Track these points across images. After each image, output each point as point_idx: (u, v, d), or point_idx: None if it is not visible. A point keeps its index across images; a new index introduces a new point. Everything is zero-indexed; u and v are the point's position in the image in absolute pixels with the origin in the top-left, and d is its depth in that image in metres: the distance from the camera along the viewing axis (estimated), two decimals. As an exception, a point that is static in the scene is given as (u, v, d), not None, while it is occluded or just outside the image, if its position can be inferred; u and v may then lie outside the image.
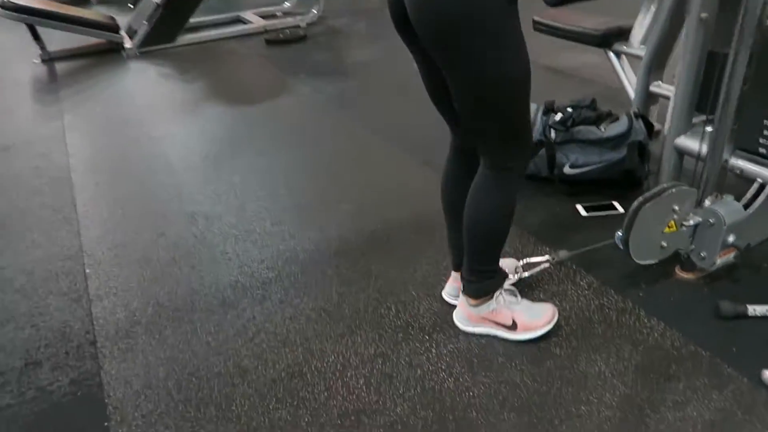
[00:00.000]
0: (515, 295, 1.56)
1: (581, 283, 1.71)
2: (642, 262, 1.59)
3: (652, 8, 2.50)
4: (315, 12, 5.13)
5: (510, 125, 1.31)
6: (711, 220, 1.56)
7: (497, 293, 1.51)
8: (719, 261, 1.61)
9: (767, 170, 1.69)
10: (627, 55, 2.59)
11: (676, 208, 1.54)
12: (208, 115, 3.28)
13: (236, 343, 1.59)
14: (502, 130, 1.31)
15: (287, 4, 5.54)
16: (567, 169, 2.16)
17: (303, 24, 5.06)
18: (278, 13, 5.50)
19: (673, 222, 1.56)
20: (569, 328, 1.55)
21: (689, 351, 1.45)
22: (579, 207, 2.08)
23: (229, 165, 2.62)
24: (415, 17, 1.18)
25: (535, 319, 1.52)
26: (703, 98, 1.91)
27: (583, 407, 1.32)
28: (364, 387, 1.42)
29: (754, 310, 1.52)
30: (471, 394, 1.38)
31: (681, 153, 2.00)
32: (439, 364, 1.46)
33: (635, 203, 1.53)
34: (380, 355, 1.51)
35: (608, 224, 1.97)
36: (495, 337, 1.53)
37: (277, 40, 4.62)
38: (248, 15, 5.35)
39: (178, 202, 2.32)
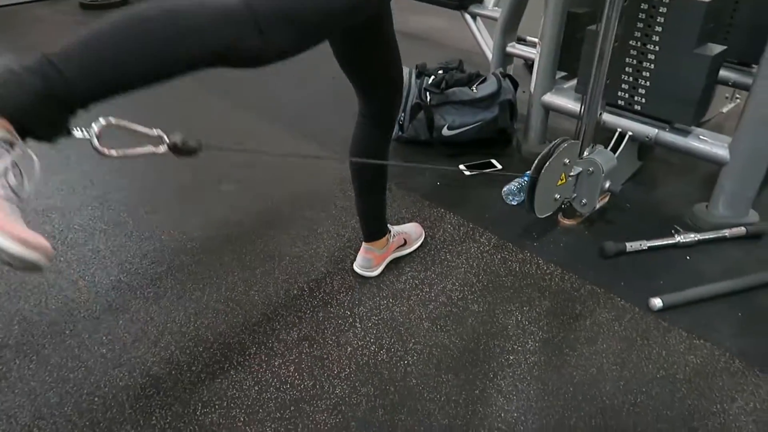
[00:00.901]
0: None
1: (481, 240, 1.79)
2: (541, 216, 1.70)
3: (503, -29, 2.63)
4: (136, -27, 4.61)
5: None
6: (591, 169, 1.71)
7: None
8: (598, 206, 1.78)
9: (626, 120, 1.89)
10: (482, 16, 2.71)
11: (567, 161, 1.66)
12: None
13: (138, 350, 1.41)
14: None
15: (99, -37, 4.92)
16: (445, 131, 2.22)
17: (122, -15, 4.54)
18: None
19: (564, 174, 1.68)
20: (481, 284, 1.61)
21: (587, 290, 1.59)
22: (462, 167, 2.15)
23: (73, 152, 2.28)
24: None
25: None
26: (564, 57, 2.07)
27: (511, 357, 1.39)
28: (296, 374, 1.35)
29: (631, 246, 1.71)
30: (406, 362, 1.38)
31: (547, 109, 2.15)
32: (368, 338, 1.44)
33: (536, 162, 1.61)
34: (305, 339, 1.44)
35: (490, 181, 2.08)
36: (416, 305, 1.54)
37: (95, 4, 4.09)
38: (51, -25, 4.66)
39: (21, 198, 1.98)
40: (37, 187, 0.71)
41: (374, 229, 1.59)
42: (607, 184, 1.75)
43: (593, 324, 1.48)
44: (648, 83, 1.79)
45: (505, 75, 2.29)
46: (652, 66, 1.77)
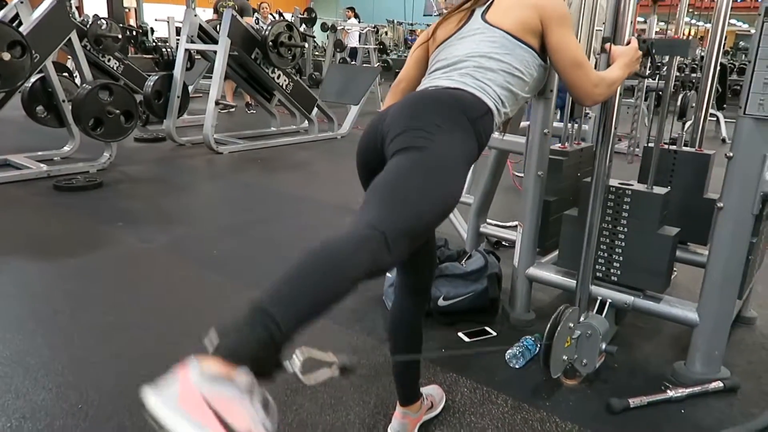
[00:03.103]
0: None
1: (498, 401, 1.91)
2: (555, 376, 1.88)
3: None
4: (108, 156, 4.86)
5: (418, 210, 1.20)
6: (589, 332, 1.94)
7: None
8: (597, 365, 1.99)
9: (605, 290, 2.18)
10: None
11: (571, 325, 1.89)
12: (9, 273, 2.81)
13: None
14: (409, 209, 1.19)
15: (67, 149, 5.16)
16: (441, 302, 2.42)
17: (93, 170, 4.75)
18: (56, 158, 5.08)
19: (569, 337, 1.90)
20: (511, 444, 1.71)
21: (606, 445, 1.73)
22: (461, 334, 2.33)
23: (70, 331, 2.28)
24: (394, 126, 1.30)
25: None
26: (541, 237, 2.41)
27: None
28: None
29: (633, 402, 1.89)
30: None
31: (531, 281, 2.44)
32: (421, 502, 1.48)
33: (549, 326, 1.83)
34: (360, 506, 1.45)
35: (490, 346, 2.26)
36: (457, 464, 1.61)
37: (69, 187, 4.23)
38: (20, 159, 4.83)
39: (28, 377, 1.93)
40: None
41: (411, 393, 1.69)
42: (603, 346, 1.98)
43: (622, 476, 1.60)
44: (621, 258, 2.13)
45: (489, 251, 2.59)
46: (623, 244, 2.12)
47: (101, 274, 2.82)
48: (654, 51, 1.80)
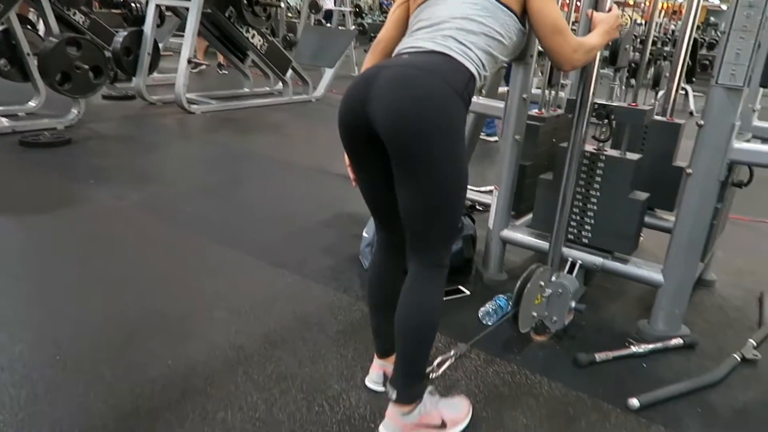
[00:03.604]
0: (435, 394, 1.62)
1: (472, 356, 1.98)
2: (523, 331, 1.95)
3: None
4: (76, 113, 4.73)
5: (453, 221, 1.47)
6: (560, 290, 2.02)
7: (425, 394, 1.57)
8: (566, 322, 2.07)
9: (576, 251, 2.26)
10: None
11: (542, 283, 1.96)
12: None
13: (174, 473, 1.40)
14: (447, 226, 1.46)
15: (32, 104, 4.99)
16: (417, 262, 2.47)
17: (61, 126, 4.62)
18: (20, 114, 4.91)
19: (540, 295, 1.97)
20: (483, 395, 1.78)
21: (573, 396, 1.81)
22: (436, 293, 2.39)
23: (45, 286, 2.26)
24: (390, 128, 1.36)
25: (458, 412, 1.64)
26: (515, 200, 2.47)
27: (528, 456, 1.55)
28: (340, 485, 1.41)
29: (599, 357, 1.98)
30: (438, 467, 1.48)
31: (504, 242, 2.50)
32: (397, 447, 1.54)
33: (519, 284, 1.90)
34: (339, 451, 1.51)
35: (464, 304, 2.33)
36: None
37: (36, 143, 4.11)
38: (-17, 113, 4.66)
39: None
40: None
41: (389, 345, 1.74)
42: (573, 304, 2.05)
43: (587, 424, 1.69)
44: (593, 221, 2.20)
45: (465, 214, 2.64)
46: (595, 207, 2.18)
47: (74, 231, 2.78)
48: (613, 117, 2.02)
